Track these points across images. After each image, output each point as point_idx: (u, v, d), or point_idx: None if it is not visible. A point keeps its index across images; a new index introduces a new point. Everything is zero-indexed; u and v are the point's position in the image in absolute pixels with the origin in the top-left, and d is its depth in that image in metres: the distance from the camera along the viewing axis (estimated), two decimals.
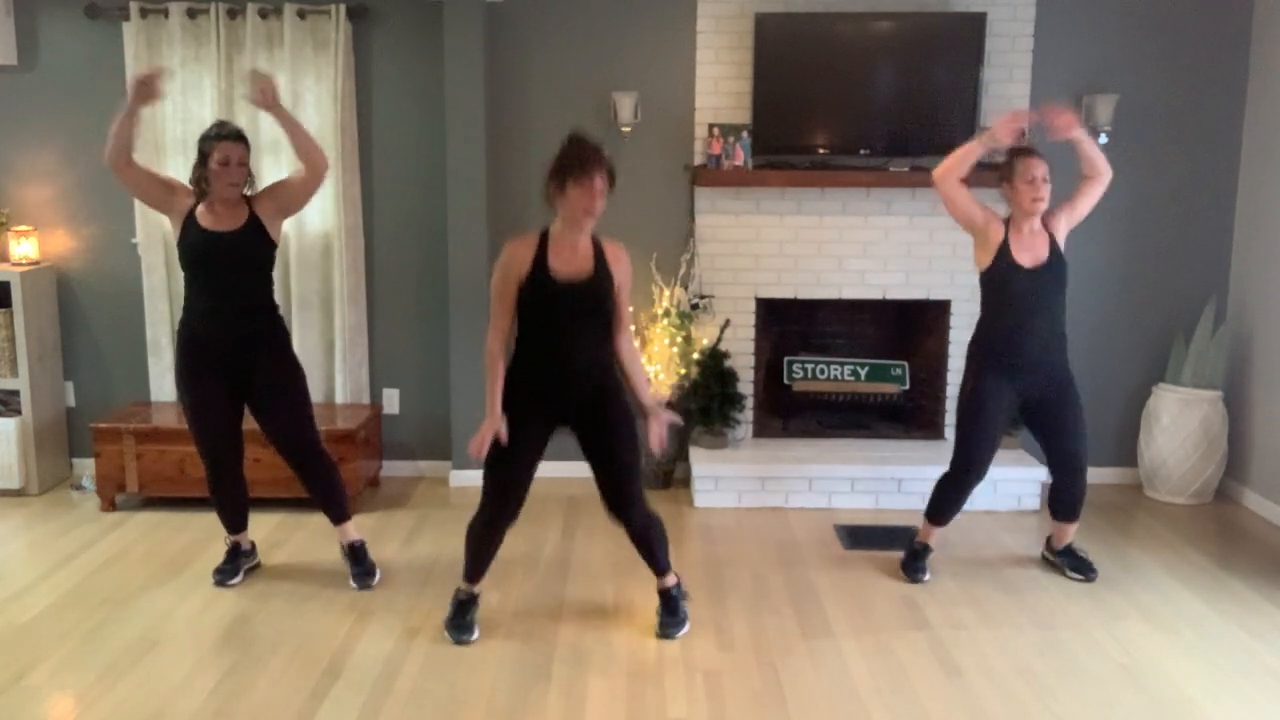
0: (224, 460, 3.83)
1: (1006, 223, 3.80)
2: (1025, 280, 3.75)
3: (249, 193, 3.74)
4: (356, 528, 4.03)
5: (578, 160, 3.24)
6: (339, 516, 3.96)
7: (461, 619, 3.53)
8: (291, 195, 3.76)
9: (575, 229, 3.30)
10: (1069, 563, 4.04)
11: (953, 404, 5.03)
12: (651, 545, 3.56)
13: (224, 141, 3.59)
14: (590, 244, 3.37)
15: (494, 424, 3.33)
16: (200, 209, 3.68)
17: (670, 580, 3.62)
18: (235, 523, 3.96)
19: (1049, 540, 4.15)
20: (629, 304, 3.50)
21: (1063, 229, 3.82)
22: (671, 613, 3.60)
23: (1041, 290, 3.76)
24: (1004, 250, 3.76)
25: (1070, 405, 3.86)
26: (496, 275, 3.35)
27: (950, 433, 5.04)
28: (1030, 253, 3.76)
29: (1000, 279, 3.78)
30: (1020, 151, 3.76)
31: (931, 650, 3.45)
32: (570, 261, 3.32)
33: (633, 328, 4.96)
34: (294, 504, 4.70)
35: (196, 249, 3.66)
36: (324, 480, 3.90)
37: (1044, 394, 3.85)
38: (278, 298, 3.81)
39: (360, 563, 3.96)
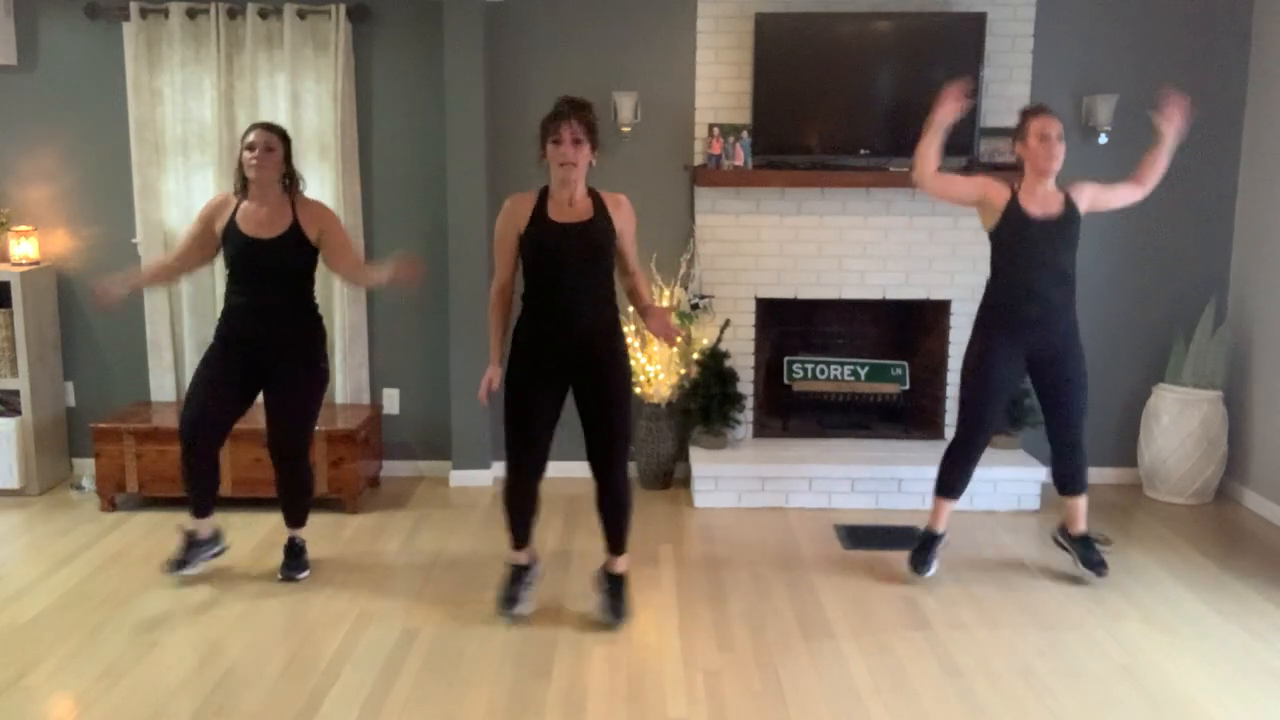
0: (198, 440, 3.81)
1: (1013, 188, 3.79)
2: (1035, 230, 3.74)
3: (292, 190, 3.79)
4: (304, 531, 4.09)
5: (550, 117, 3.35)
6: (296, 522, 4.05)
7: (508, 590, 3.62)
8: (330, 253, 3.83)
9: (561, 185, 3.38)
10: (1082, 555, 3.97)
11: (953, 404, 5.03)
12: (620, 519, 3.62)
13: (253, 129, 3.72)
14: (589, 196, 3.44)
15: (495, 371, 3.44)
16: (241, 211, 3.73)
17: (624, 565, 3.68)
18: (199, 506, 3.94)
19: (1062, 524, 4.08)
20: (632, 251, 3.53)
21: (1085, 202, 3.80)
22: (620, 597, 3.64)
23: (1051, 242, 3.74)
24: (1013, 205, 3.76)
25: (1072, 375, 3.84)
26: (497, 226, 3.47)
27: (950, 432, 5.03)
28: (1041, 207, 3.75)
29: (1010, 231, 3.77)
30: (1033, 111, 3.77)
31: (931, 650, 3.45)
32: (568, 210, 3.39)
33: (632, 326, 4.97)
34: None
35: (236, 254, 3.73)
36: (296, 489, 3.99)
37: (1049, 354, 3.82)
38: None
39: (296, 557, 4.03)
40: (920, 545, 4.00)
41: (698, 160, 4.96)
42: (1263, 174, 4.85)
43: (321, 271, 4.99)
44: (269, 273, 3.74)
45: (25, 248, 4.94)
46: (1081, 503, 4.00)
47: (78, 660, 3.35)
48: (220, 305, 3.95)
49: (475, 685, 3.21)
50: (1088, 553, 3.98)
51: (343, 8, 4.80)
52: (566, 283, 3.40)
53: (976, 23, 4.71)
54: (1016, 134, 3.80)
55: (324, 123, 4.93)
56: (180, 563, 3.91)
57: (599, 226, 3.40)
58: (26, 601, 3.78)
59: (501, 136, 4.97)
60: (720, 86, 4.92)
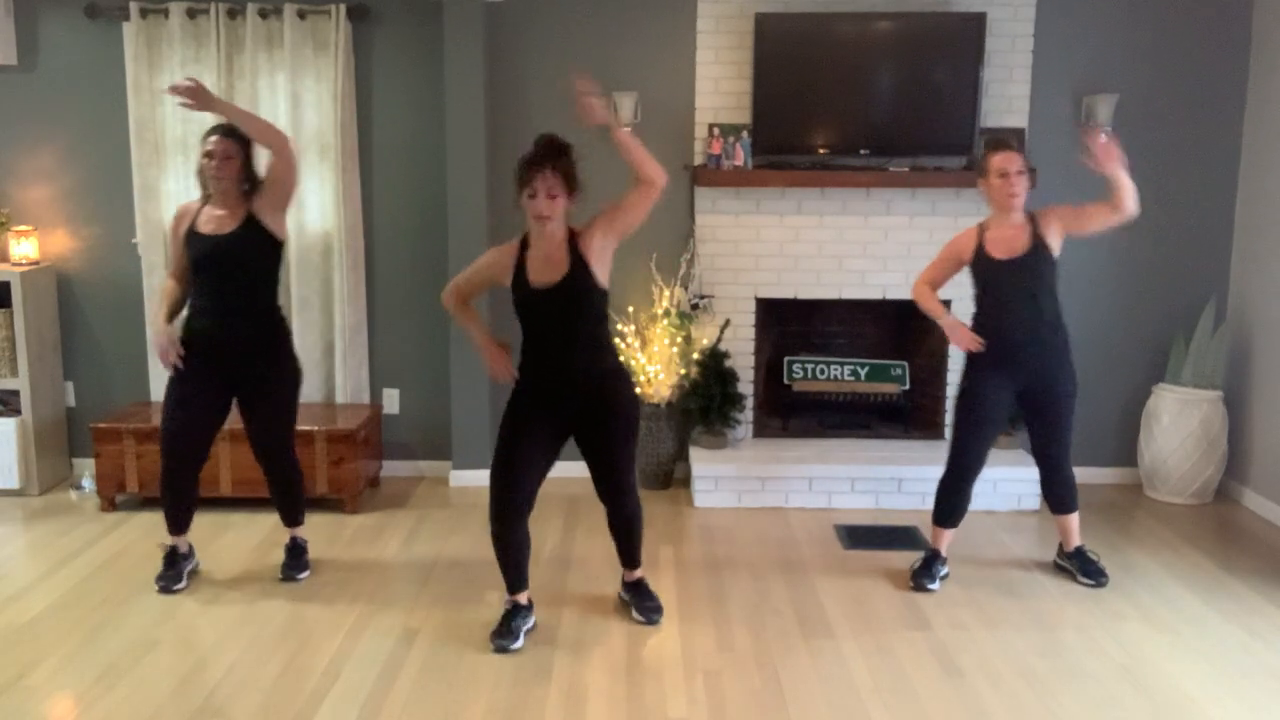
0: (183, 459, 3.83)
1: (981, 227, 3.85)
2: (1000, 272, 3.78)
3: (252, 193, 3.76)
4: (303, 531, 4.11)
5: (527, 162, 3.23)
6: (293, 521, 4.07)
7: (503, 626, 3.48)
8: (273, 184, 3.74)
9: (539, 236, 3.32)
10: (1080, 566, 3.99)
11: (953, 404, 5.03)
12: (633, 536, 3.63)
13: (210, 135, 3.69)
14: (565, 238, 3.32)
15: (491, 346, 3.44)
16: (203, 215, 3.73)
17: (640, 573, 3.71)
18: (180, 524, 3.95)
19: (1060, 545, 4.10)
20: (623, 200, 3.30)
21: (1054, 231, 3.78)
22: (649, 597, 3.67)
23: (1020, 280, 3.76)
24: (979, 252, 3.82)
25: (1055, 402, 3.85)
26: (478, 261, 3.49)
27: (950, 432, 5.03)
28: (1006, 246, 3.78)
29: (978, 274, 3.85)
30: (993, 147, 3.78)
31: (931, 651, 3.45)
32: (545, 268, 3.31)
33: (632, 326, 4.97)
34: None
35: (198, 255, 3.71)
36: (286, 486, 4.00)
37: (1035, 385, 3.84)
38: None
39: (298, 557, 4.04)
40: (923, 564, 3.98)
41: (698, 160, 4.96)
42: (1263, 174, 4.85)
43: (321, 274, 5.04)
44: (229, 271, 3.71)
45: (25, 248, 4.94)
46: (1074, 520, 4.01)
47: (78, 660, 3.35)
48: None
49: (475, 685, 3.21)
50: (1085, 564, 3.99)
51: (343, 8, 4.80)
52: (556, 339, 3.35)
53: (976, 23, 4.71)
54: (979, 170, 3.82)
55: (324, 123, 4.93)
56: (173, 578, 3.90)
57: (576, 281, 3.28)
58: (26, 601, 3.78)
59: (501, 136, 4.97)
60: (720, 86, 4.92)
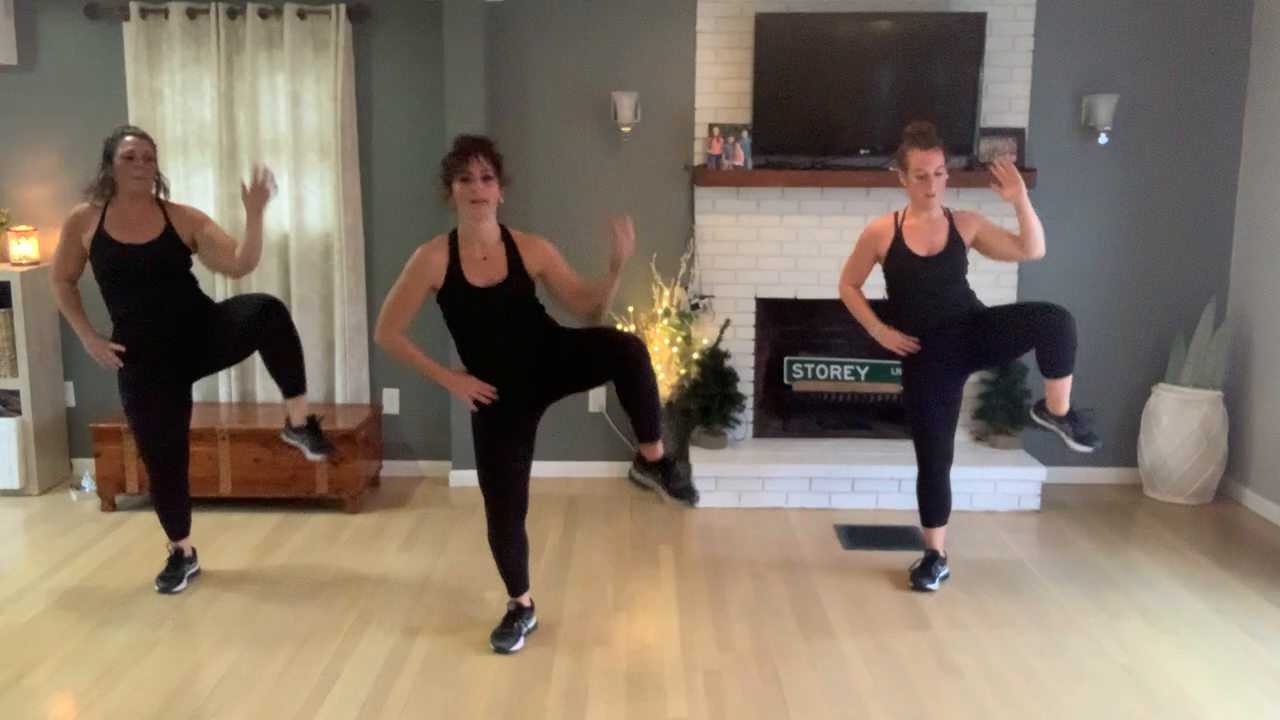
0: (169, 465, 3.81)
1: (897, 217, 3.81)
2: (921, 267, 3.74)
3: (161, 197, 3.74)
4: (310, 405, 3.93)
5: (454, 155, 3.17)
6: (298, 387, 3.78)
7: (504, 627, 3.47)
8: (207, 250, 3.70)
9: (474, 227, 3.21)
10: (1072, 430, 3.80)
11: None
12: (647, 392, 3.18)
13: (129, 136, 3.65)
14: (501, 240, 3.26)
15: (457, 379, 3.29)
16: (110, 220, 3.65)
17: (661, 450, 3.29)
18: (178, 529, 3.94)
19: (1040, 401, 3.86)
20: (570, 274, 3.32)
21: (970, 234, 3.75)
22: (678, 476, 3.30)
23: (936, 277, 3.75)
24: (898, 243, 3.77)
25: (991, 312, 3.78)
26: (404, 276, 3.25)
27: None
28: (924, 241, 3.75)
29: (897, 269, 3.79)
30: (913, 140, 3.67)
31: (931, 650, 3.45)
32: (483, 266, 3.23)
33: (632, 326, 4.97)
34: (294, 504, 4.70)
35: (111, 263, 3.63)
36: (293, 348, 3.72)
37: (964, 343, 3.77)
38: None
39: (319, 434, 3.87)
40: (922, 564, 3.98)
41: (698, 160, 4.96)
42: (1263, 174, 4.85)
43: (321, 274, 5.04)
44: (150, 276, 3.66)
45: (25, 248, 4.94)
46: (1065, 384, 3.74)
47: (78, 660, 3.35)
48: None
49: (475, 685, 3.21)
50: (1078, 427, 3.81)
51: (343, 8, 4.81)
52: (495, 342, 3.27)
53: (976, 23, 4.71)
54: (898, 158, 3.73)
55: (324, 123, 4.93)
56: (174, 579, 3.89)
57: (516, 284, 3.23)
58: (26, 601, 3.78)
59: (501, 136, 4.93)
60: (720, 86, 4.92)
